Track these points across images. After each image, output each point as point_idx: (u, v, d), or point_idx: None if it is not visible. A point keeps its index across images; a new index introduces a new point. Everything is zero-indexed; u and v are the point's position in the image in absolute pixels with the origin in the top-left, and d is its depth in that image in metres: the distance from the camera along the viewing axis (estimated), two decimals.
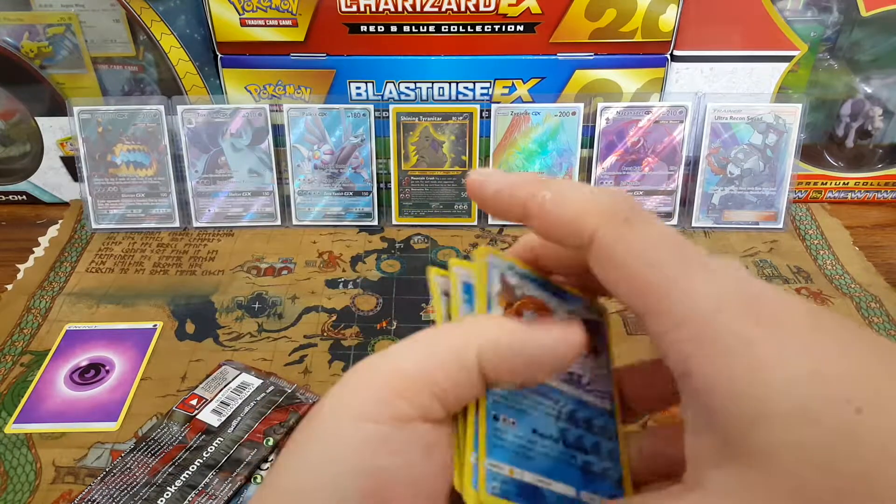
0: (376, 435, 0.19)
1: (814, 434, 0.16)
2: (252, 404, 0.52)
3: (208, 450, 0.48)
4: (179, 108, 0.70)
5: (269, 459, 0.49)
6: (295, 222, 0.74)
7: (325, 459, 0.19)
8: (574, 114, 0.70)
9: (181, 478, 0.46)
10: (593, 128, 0.71)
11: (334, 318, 0.62)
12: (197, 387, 0.54)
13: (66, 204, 0.78)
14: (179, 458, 0.48)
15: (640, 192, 0.73)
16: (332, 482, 0.19)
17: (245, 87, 0.71)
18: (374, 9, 0.67)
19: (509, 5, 0.66)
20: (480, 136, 0.71)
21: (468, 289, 0.23)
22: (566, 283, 0.26)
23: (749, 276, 0.20)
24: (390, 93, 0.71)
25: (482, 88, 0.71)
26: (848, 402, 0.16)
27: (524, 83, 0.71)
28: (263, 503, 0.20)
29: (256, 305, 0.63)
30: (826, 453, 0.16)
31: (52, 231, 0.73)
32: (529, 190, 0.22)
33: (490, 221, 0.74)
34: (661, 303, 0.19)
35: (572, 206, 0.22)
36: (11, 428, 0.51)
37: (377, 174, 0.73)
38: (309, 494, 0.19)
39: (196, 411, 0.51)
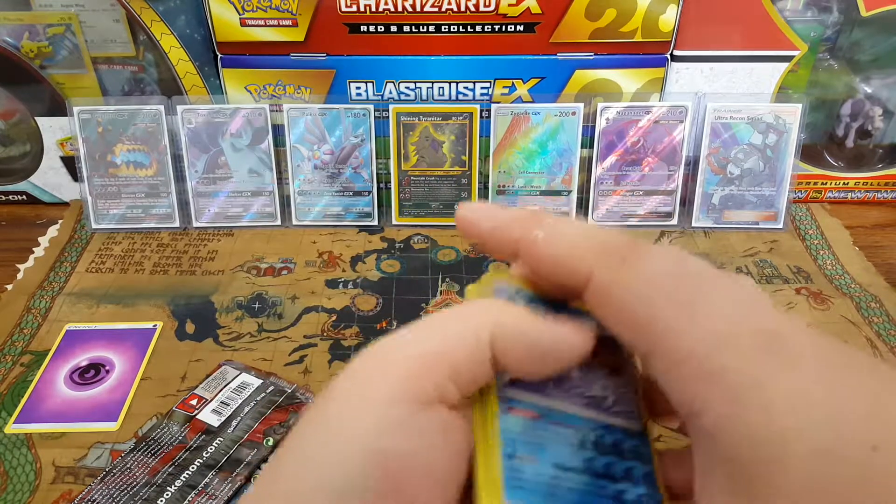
0: (394, 418, 0.19)
1: (832, 476, 0.16)
2: (252, 404, 0.52)
3: (208, 450, 0.48)
4: (179, 108, 0.70)
5: (269, 459, 0.49)
6: (295, 222, 0.74)
7: (335, 447, 0.19)
8: (574, 114, 0.70)
9: (181, 478, 0.46)
10: (593, 128, 0.71)
11: (334, 318, 0.62)
12: (197, 387, 0.54)
13: (66, 204, 0.78)
14: (179, 458, 0.48)
15: (640, 192, 0.73)
16: (343, 469, 0.18)
17: (245, 87, 0.71)
18: (374, 9, 0.67)
19: (509, 5, 0.66)
20: (480, 136, 0.71)
21: None
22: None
23: (760, 301, 0.19)
24: (390, 93, 0.71)
25: (482, 88, 0.71)
26: (865, 441, 0.16)
27: (524, 83, 0.71)
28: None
29: (256, 305, 0.63)
30: (843, 494, 0.16)
31: (52, 231, 0.73)
32: (522, 228, 0.22)
33: None
34: (662, 343, 0.19)
35: (566, 246, 0.21)
36: (11, 428, 0.51)
37: (377, 174, 0.73)
38: (314, 487, 0.18)
39: (196, 411, 0.51)
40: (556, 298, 0.24)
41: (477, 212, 0.23)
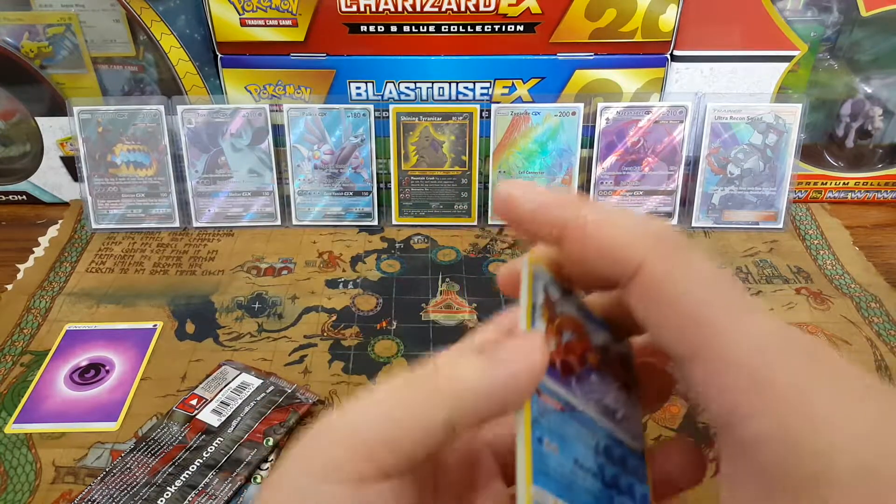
0: (336, 496, 0.19)
1: (877, 491, 0.16)
2: (252, 404, 0.52)
3: (208, 450, 0.48)
4: (179, 108, 0.70)
5: (269, 459, 0.49)
6: (295, 222, 0.74)
7: None
8: (574, 114, 0.70)
9: (181, 478, 0.46)
10: (593, 128, 0.71)
11: (334, 318, 0.62)
12: (197, 387, 0.54)
13: (66, 204, 0.78)
14: (179, 458, 0.48)
15: (640, 192, 0.73)
16: None
17: (245, 87, 0.71)
18: (374, 9, 0.67)
19: (509, 5, 0.66)
20: (480, 136, 0.71)
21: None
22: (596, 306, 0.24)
23: (792, 326, 0.19)
24: (390, 93, 0.71)
25: (482, 88, 0.71)
26: None
27: (524, 83, 0.71)
28: None
29: (256, 305, 0.63)
30: None
31: (52, 231, 0.73)
32: (569, 210, 0.20)
33: (490, 221, 0.74)
34: (712, 345, 0.18)
35: (617, 231, 0.20)
36: (11, 428, 0.51)
37: (377, 174, 0.73)
38: None
39: (196, 411, 0.51)
40: (586, 288, 0.23)
41: (521, 189, 0.21)
